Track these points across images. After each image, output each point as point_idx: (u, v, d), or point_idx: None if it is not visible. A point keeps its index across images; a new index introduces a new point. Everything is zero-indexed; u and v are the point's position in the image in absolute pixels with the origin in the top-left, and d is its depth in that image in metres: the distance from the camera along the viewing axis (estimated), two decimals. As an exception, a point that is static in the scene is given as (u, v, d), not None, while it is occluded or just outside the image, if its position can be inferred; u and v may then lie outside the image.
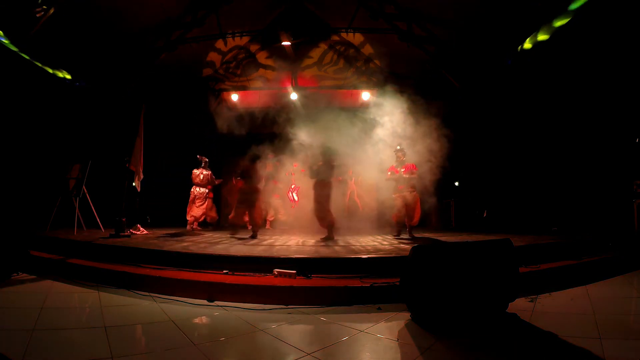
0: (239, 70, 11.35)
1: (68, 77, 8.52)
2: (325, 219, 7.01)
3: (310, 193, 7.73)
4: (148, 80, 9.71)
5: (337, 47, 11.11)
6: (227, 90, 11.45)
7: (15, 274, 4.47)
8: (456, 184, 9.49)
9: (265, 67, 11.50)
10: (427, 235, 7.77)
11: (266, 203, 10.80)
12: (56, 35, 7.41)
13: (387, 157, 9.58)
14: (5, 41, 6.43)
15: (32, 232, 6.39)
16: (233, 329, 3.09)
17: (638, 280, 4.46)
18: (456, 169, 9.28)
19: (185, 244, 5.84)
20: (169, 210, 10.02)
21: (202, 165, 8.94)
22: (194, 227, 8.61)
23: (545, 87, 8.13)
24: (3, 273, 4.30)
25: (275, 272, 4.23)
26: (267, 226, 10.56)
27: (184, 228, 8.69)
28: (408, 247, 3.79)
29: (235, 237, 6.91)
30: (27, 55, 7.14)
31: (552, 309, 3.40)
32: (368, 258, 4.59)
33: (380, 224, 10.62)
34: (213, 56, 11.01)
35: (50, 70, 7.92)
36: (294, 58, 10.96)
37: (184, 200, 10.24)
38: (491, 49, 8.56)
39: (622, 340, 2.62)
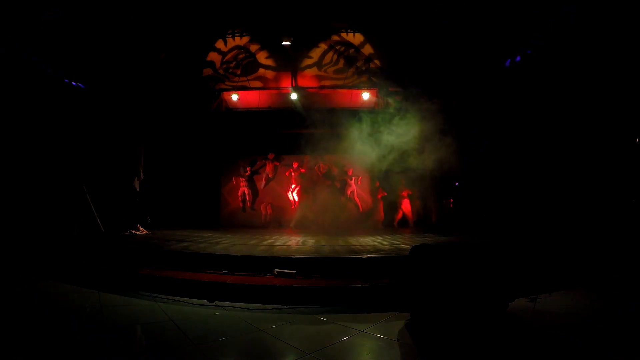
0: (239, 70, 11.34)
1: (68, 77, 8.51)
2: None
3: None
4: (148, 80, 9.69)
5: (337, 47, 11.10)
6: (227, 90, 11.45)
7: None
8: (456, 184, 9.47)
9: (265, 67, 11.49)
10: (427, 235, 7.76)
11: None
12: (57, 37, 7.41)
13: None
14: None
15: (32, 232, 6.39)
16: (233, 329, 3.09)
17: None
18: (456, 168, 9.28)
19: (185, 243, 5.84)
20: (169, 210, 10.00)
21: None
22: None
23: (545, 87, 8.12)
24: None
25: (276, 272, 4.23)
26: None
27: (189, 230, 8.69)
28: (408, 247, 3.79)
29: None
30: (30, 56, 7.14)
31: (552, 309, 3.40)
32: (368, 258, 4.59)
33: (380, 223, 10.62)
34: (213, 56, 11.01)
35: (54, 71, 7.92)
36: (294, 58, 10.96)
37: (184, 200, 10.25)
38: (490, 50, 8.55)
39: (622, 341, 2.63)
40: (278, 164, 11.10)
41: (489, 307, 3.18)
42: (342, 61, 11.33)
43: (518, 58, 8.27)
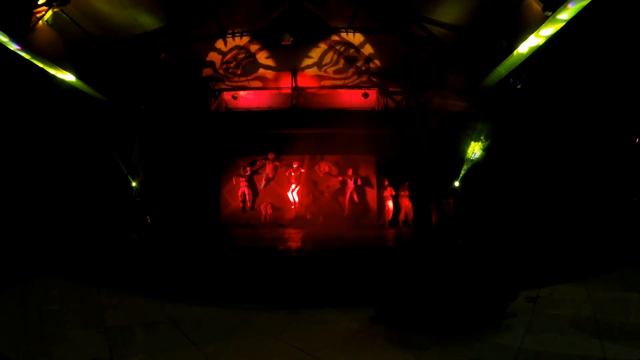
0: (239, 70, 11.34)
1: (69, 77, 8.50)
2: None
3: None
4: (147, 80, 9.69)
5: (337, 47, 11.10)
6: (227, 90, 11.44)
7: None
8: (456, 184, 9.45)
9: (265, 67, 11.49)
10: (426, 236, 7.76)
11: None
12: (56, 37, 7.42)
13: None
14: (5, 39, 6.39)
15: (33, 231, 6.38)
16: (233, 328, 3.09)
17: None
18: (456, 168, 9.27)
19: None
20: (170, 210, 9.98)
21: None
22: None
23: (545, 88, 8.11)
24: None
25: (276, 272, 4.23)
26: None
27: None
28: (408, 247, 3.80)
29: None
30: (29, 55, 7.12)
31: (551, 310, 3.40)
32: (368, 257, 4.59)
33: (380, 223, 10.62)
34: (213, 56, 11.00)
35: (55, 71, 7.89)
36: (294, 58, 10.96)
37: (184, 200, 10.23)
38: (490, 50, 8.54)
39: (621, 341, 2.62)
40: (278, 164, 11.09)
41: (490, 307, 3.18)
42: (342, 61, 11.33)
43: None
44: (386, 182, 10.46)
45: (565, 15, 5.98)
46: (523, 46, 6.85)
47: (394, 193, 10.37)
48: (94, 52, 8.24)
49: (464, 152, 9.08)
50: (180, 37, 9.17)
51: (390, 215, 10.40)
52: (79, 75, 7.93)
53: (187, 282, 4.10)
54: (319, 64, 11.36)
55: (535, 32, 6.48)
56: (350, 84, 11.44)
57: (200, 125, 10.78)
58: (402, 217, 10.37)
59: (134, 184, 7.94)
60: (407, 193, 10.35)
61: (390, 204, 10.40)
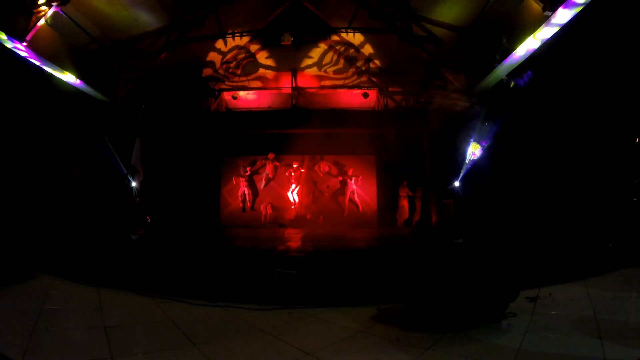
0: (239, 70, 11.35)
1: (69, 78, 8.51)
2: None
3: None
4: (147, 80, 9.69)
5: (337, 47, 11.11)
6: (227, 90, 11.45)
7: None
8: (456, 184, 9.45)
9: (265, 67, 11.50)
10: (426, 236, 7.75)
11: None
12: (57, 37, 7.42)
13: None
14: (3, 37, 6.38)
15: (34, 231, 6.38)
16: (233, 328, 3.09)
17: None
18: (456, 168, 9.27)
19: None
20: (170, 210, 9.98)
21: None
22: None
23: (545, 88, 8.11)
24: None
25: (276, 272, 4.22)
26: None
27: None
28: (409, 246, 3.80)
29: None
30: (26, 54, 7.13)
31: (551, 310, 3.40)
32: (368, 257, 4.59)
33: (380, 224, 10.62)
34: (213, 56, 11.00)
35: (55, 72, 7.90)
36: (294, 58, 10.96)
37: (185, 200, 10.23)
38: (490, 49, 8.54)
39: (621, 341, 2.62)
40: (278, 164, 11.09)
41: (490, 306, 3.18)
42: (342, 61, 11.33)
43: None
44: (405, 182, 10.42)
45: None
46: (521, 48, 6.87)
47: (410, 194, 10.37)
48: (94, 52, 8.23)
49: (464, 152, 9.07)
50: (180, 37, 9.16)
51: (406, 215, 10.39)
52: (79, 76, 7.93)
53: (187, 282, 4.10)
54: (319, 64, 11.37)
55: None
56: (350, 84, 11.44)
57: (200, 125, 10.78)
58: (416, 217, 10.43)
59: (134, 184, 7.94)
60: (420, 194, 10.41)
61: (406, 203, 10.40)
